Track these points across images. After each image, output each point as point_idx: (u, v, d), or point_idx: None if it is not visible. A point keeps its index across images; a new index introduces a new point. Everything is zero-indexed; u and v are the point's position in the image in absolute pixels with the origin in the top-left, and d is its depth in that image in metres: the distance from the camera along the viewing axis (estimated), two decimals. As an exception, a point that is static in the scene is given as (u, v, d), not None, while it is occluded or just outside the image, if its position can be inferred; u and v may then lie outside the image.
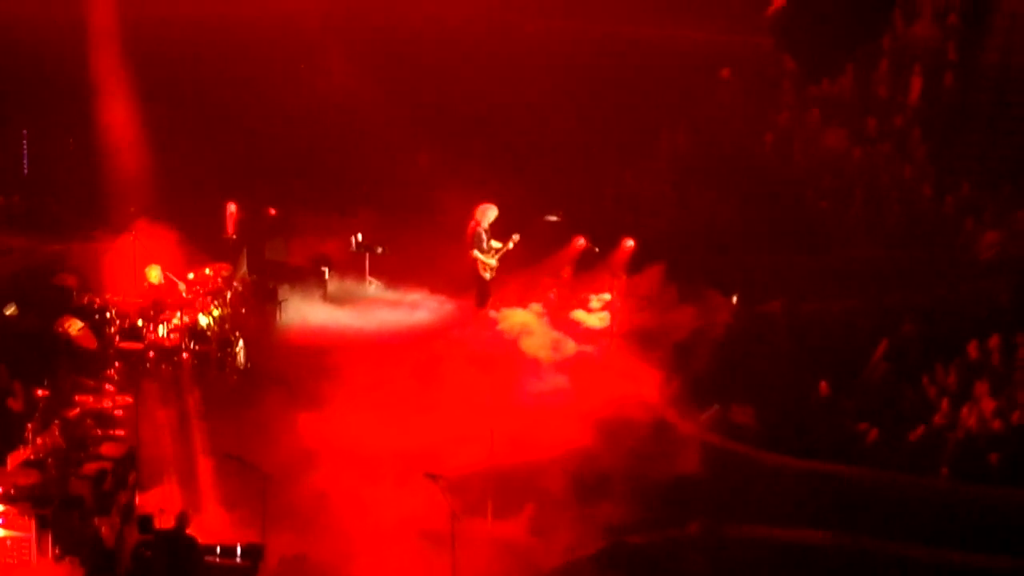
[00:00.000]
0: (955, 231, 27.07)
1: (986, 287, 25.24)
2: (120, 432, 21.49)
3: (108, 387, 23.11)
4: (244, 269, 27.89)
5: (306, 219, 30.42)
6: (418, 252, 28.72)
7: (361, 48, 31.87)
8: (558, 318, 26.78)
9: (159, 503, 19.60)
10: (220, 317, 25.23)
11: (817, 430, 21.90)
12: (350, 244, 28.64)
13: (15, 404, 21.41)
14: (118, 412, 22.10)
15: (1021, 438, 20.91)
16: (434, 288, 27.98)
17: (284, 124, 32.13)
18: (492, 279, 27.06)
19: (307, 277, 28.09)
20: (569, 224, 28.81)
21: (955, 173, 28.14)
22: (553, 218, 29.24)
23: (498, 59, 32.38)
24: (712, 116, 31.02)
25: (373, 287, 28.49)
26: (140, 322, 24.93)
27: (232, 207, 29.16)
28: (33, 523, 18.38)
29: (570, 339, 26.03)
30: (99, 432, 21.25)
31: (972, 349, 22.79)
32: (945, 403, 21.75)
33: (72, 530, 18.61)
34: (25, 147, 32.41)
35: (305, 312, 26.98)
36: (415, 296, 28.00)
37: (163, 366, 24.38)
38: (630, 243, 27.45)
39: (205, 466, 20.98)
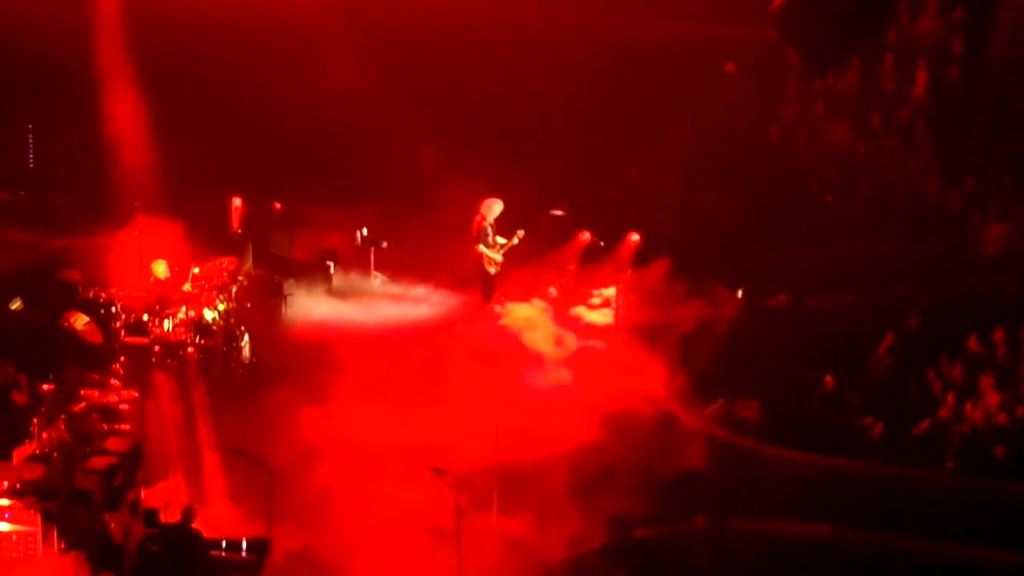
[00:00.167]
0: (960, 225, 27.03)
1: (991, 281, 25.23)
2: (126, 427, 21.54)
3: (113, 382, 23.15)
4: (249, 263, 27.92)
5: (311, 213, 30.44)
6: (423, 246, 28.74)
7: (366, 42, 31.82)
8: (563, 313, 26.78)
9: (165, 497, 19.64)
10: (225, 312, 25.25)
11: (822, 424, 21.90)
12: (355, 238, 28.65)
13: (20, 398, 21.42)
14: (124, 407, 22.14)
15: (1026, 432, 20.96)
16: (439, 283, 27.98)
17: (289, 118, 32.08)
18: (497, 274, 27.07)
19: (312, 271, 28.09)
20: (574, 218, 28.82)
21: (960, 167, 28.10)
22: (558, 212, 29.24)
23: (503, 53, 32.32)
24: (717, 110, 30.98)
25: (378, 281, 28.49)
26: (145, 316, 24.93)
27: (237, 201, 29.19)
28: (39, 517, 18.42)
29: (575, 334, 26.03)
30: (105, 427, 21.29)
31: (977, 343, 22.78)
32: (950, 397, 21.74)
33: (78, 524, 18.64)
34: (30, 142, 32.41)
35: (310, 306, 26.98)
36: (420, 290, 28.00)
37: (168, 361, 24.37)
38: (635, 237, 27.46)
39: (211, 460, 21.02)
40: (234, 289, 25.90)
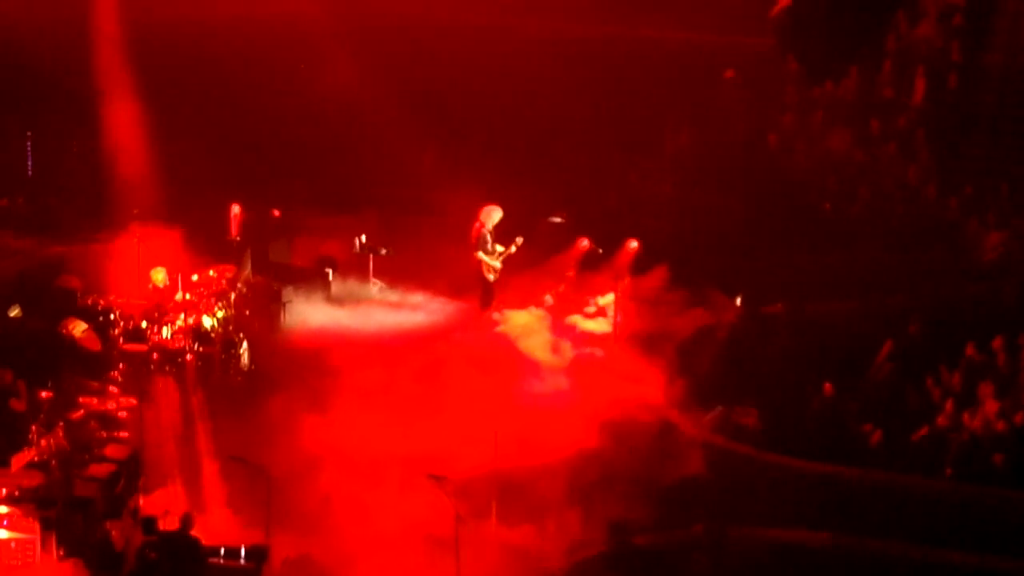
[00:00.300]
0: (959, 233, 27.03)
1: (990, 288, 25.23)
2: (124, 434, 21.53)
3: (112, 389, 23.14)
4: (248, 271, 27.90)
5: (310, 220, 30.43)
6: (422, 253, 28.73)
7: (365, 49, 31.85)
8: (561, 320, 26.77)
9: (163, 504, 19.64)
10: (224, 319, 25.25)
11: (821, 431, 21.89)
12: (354, 245, 28.63)
13: (19, 405, 21.41)
14: (122, 414, 22.13)
15: (1025, 439, 20.95)
16: (438, 290, 27.97)
17: (288, 125, 32.11)
18: (496, 281, 27.06)
19: (311, 278, 28.07)
20: (573, 225, 28.81)
21: (959, 174, 28.10)
22: (557, 219, 29.23)
23: (502, 60, 32.35)
24: (716, 117, 31.01)
25: (377, 288, 28.48)
26: (144, 324, 24.94)
27: (236, 208, 29.17)
28: (37, 525, 18.41)
29: (573, 341, 26.02)
30: (103, 434, 21.29)
31: (976, 351, 22.77)
32: (949, 404, 21.72)
33: (77, 532, 18.63)
34: (29, 149, 32.40)
35: (309, 314, 26.96)
36: (419, 297, 27.98)
37: (167, 368, 24.37)
38: (634, 244, 27.45)
39: (209, 468, 21.02)
40: (233, 296, 25.90)
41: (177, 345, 24.72)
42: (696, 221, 28.89)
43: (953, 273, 25.88)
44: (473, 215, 27.07)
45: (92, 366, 24.01)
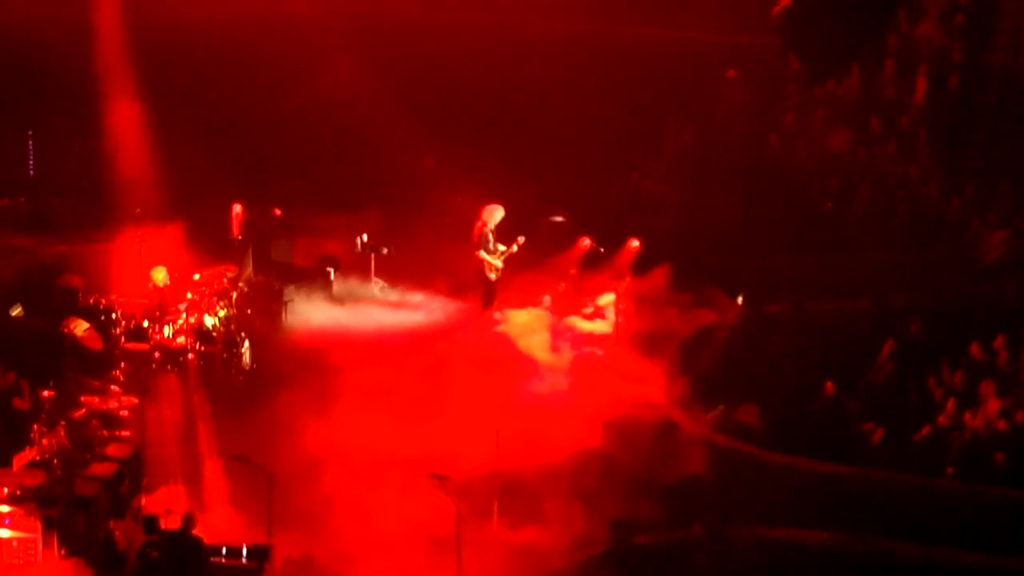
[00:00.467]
0: (961, 232, 27.05)
1: (992, 287, 25.25)
2: (126, 433, 21.52)
3: (114, 388, 23.13)
4: (250, 270, 27.91)
5: (312, 219, 30.43)
6: (424, 253, 28.73)
7: (366, 49, 31.85)
8: (563, 319, 26.78)
9: (165, 504, 19.62)
10: (226, 318, 25.24)
11: (823, 430, 21.88)
12: (356, 245, 28.62)
13: (21, 404, 21.44)
14: (124, 413, 22.12)
15: (1027, 438, 20.96)
16: (439, 289, 27.97)
17: (289, 124, 32.12)
18: (497, 280, 27.06)
19: (313, 278, 28.06)
20: (574, 225, 28.82)
21: (961, 173, 28.12)
22: (558, 219, 29.26)
23: (504, 59, 32.37)
24: (717, 116, 31.02)
25: (378, 288, 28.48)
26: (146, 323, 24.94)
27: (238, 208, 29.18)
28: (39, 524, 18.43)
29: (575, 340, 26.03)
30: (105, 433, 21.28)
31: (978, 350, 22.78)
32: (951, 404, 21.73)
33: (78, 531, 18.64)
34: (31, 148, 32.42)
35: (311, 313, 26.96)
36: (420, 297, 27.99)
37: (169, 367, 24.37)
38: (635, 244, 27.46)
39: (211, 467, 21.00)
40: (234, 295, 25.88)
41: (179, 344, 24.72)
42: (697, 220, 28.91)
43: (955, 272, 25.90)
44: (475, 214, 27.06)
45: (94, 365, 24.01)
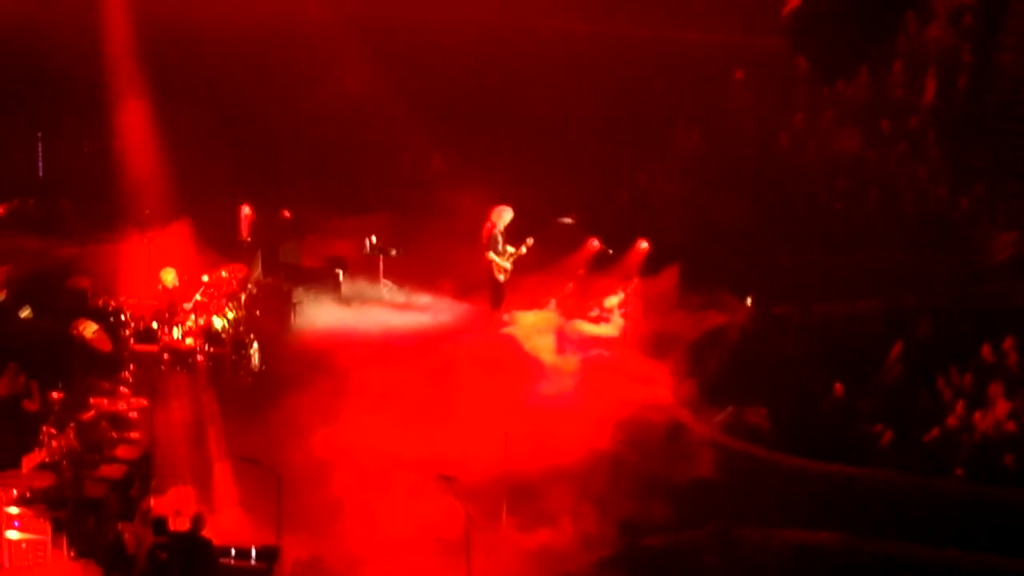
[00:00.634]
0: (970, 232, 27.01)
1: (1001, 288, 25.21)
2: (135, 434, 21.53)
3: (123, 389, 23.14)
4: (259, 271, 27.93)
5: (320, 221, 30.47)
6: (432, 254, 28.74)
7: (376, 50, 31.85)
8: (571, 321, 26.77)
9: (174, 505, 19.64)
10: (235, 319, 25.27)
11: (831, 432, 21.87)
12: (364, 246, 28.64)
13: (30, 406, 21.43)
14: (133, 414, 22.13)
15: (1035, 440, 20.93)
16: (447, 290, 27.98)
17: (298, 126, 32.14)
18: (506, 281, 27.06)
19: (322, 279, 28.08)
20: (583, 226, 28.82)
21: (970, 174, 28.08)
22: (567, 220, 29.25)
23: (512, 61, 32.37)
24: (726, 117, 31.01)
25: (387, 289, 28.49)
26: (155, 324, 24.96)
27: (247, 209, 29.22)
28: (48, 525, 18.45)
29: (583, 342, 26.02)
30: (114, 434, 21.29)
31: (987, 351, 22.76)
32: (960, 405, 21.71)
33: (88, 532, 18.66)
34: (40, 150, 32.47)
35: (319, 314, 26.97)
36: (429, 298, 27.99)
37: (178, 368, 24.40)
38: (644, 245, 27.46)
39: (220, 468, 21.00)
40: (243, 297, 25.92)
41: (188, 346, 24.74)
42: (707, 221, 28.89)
43: (963, 273, 25.86)
44: (484, 216, 27.07)
45: (103, 367, 24.03)
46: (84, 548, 18.56)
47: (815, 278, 26.22)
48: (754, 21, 31.74)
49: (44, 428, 20.27)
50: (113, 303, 25.46)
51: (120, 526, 18.73)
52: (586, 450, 21.43)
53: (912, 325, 23.99)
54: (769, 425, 22.28)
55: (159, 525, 18.47)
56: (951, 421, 21.55)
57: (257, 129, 31.81)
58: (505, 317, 26.82)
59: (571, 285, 27.45)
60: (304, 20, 32.34)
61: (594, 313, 26.85)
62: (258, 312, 26.09)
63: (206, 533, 17.97)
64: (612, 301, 26.97)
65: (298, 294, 27.09)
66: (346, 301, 27.87)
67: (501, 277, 26.95)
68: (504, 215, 26.97)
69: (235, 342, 24.88)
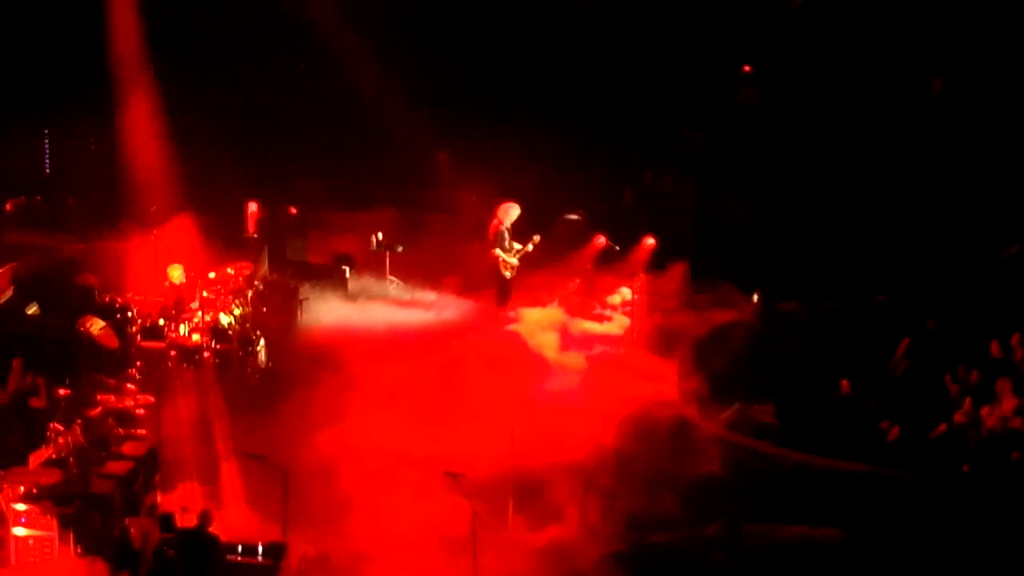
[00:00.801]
0: (977, 228, 26.97)
1: (1008, 284, 25.17)
2: (142, 431, 21.57)
3: (130, 386, 23.17)
4: (265, 268, 27.96)
5: (327, 217, 30.49)
6: (438, 251, 28.76)
7: (383, 46, 31.80)
8: (579, 317, 26.78)
9: (181, 502, 19.66)
10: (241, 316, 25.29)
11: (838, 428, 21.85)
12: (371, 243, 28.66)
13: (37, 403, 21.49)
14: (140, 411, 22.16)
15: (1043, 436, 20.90)
16: (454, 287, 27.98)
17: (305, 122, 32.12)
18: (512, 278, 27.06)
19: (328, 276, 28.12)
20: (590, 222, 28.81)
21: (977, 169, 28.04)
22: (573, 217, 29.25)
23: (517, 57, 32.32)
24: (732, 111, 30.99)
25: (393, 286, 28.50)
26: (161, 321, 24.99)
27: (253, 206, 29.25)
28: (55, 522, 18.47)
29: (590, 338, 26.03)
30: (121, 431, 21.33)
31: (994, 347, 22.73)
32: (967, 401, 21.69)
33: (94, 529, 18.68)
34: (47, 147, 32.49)
35: (326, 311, 26.99)
36: (435, 295, 28.00)
37: (184, 365, 24.42)
38: (651, 241, 27.46)
39: (227, 465, 21.02)
40: (250, 293, 25.93)
41: (194, 342, 24.77)
42: (713, 218, 28.88)
43: (971, 269, 25.82)
44: (490, 213, 27.08)
45: (110, 363, 24.08)
46: (91, 544, 18.59)
47: (821, 274, 26.20)
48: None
49: (51, 425, 20.33)
50: (120, 300, 25.51)
51: (126, 521, 18.75)
52: (592, 447, 21.43)
53: (919, 321, 23.97)
54: (776, 421, 22.26)
55: (166, 521, 18.49)
56: (958, 417, 21.52)
57: (264, 125, 31.79)
58: (511, 314, 26.83)
59: (577, 281, 27.47)
60: (310, 15, 32.25)
61: (600, 310, 26.84)
62: (265, 309, 26.11)
63: (213, 529, 17.99)
64: (618, 297, 26.99)
65: (304, 290, 27.10)
66: (352, 298, 27.89)
67: (508, 274, 26.97)
68: (511, 212, 26.99)
69: (242, 339, 24.90)
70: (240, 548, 18.24)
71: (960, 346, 23.06)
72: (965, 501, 19.84)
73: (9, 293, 26.17)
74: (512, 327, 26.33)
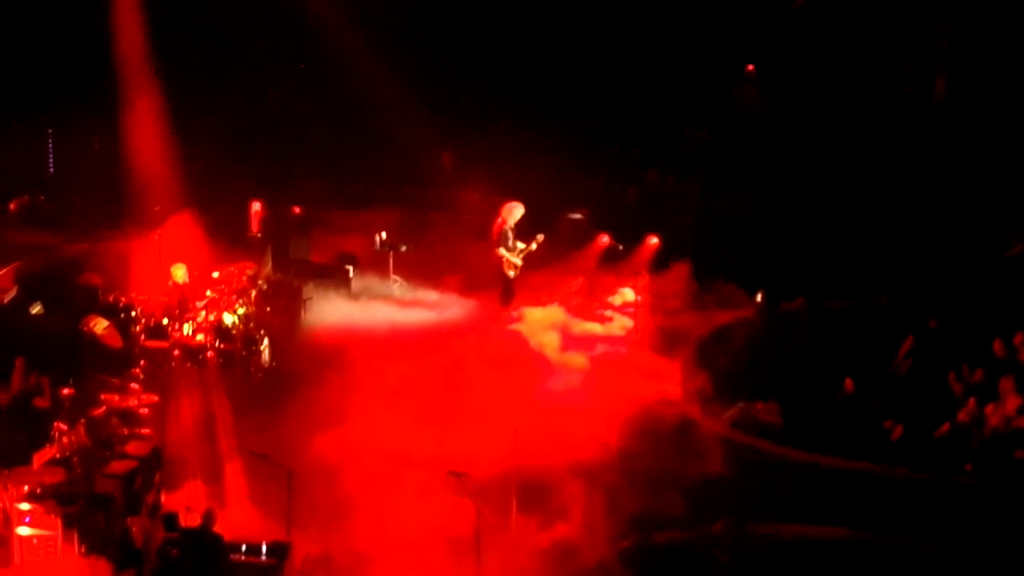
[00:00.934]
0: (981, 226, 26.99)
1: (1012, 283, 25.18)
2: (146, 431, 21.56)
3: (134, 386, 23.16)
4: (269, 267, 27.95)
5: (330, 217, 30.50)
6: (442, 250, 28.77)
7: (386, 45, 31.81)
8: (582, 316, 26.78)
9: (185, 501, 19.65)
10: (245, 315, 25.28)
11: (842, 427, 21.85)
12: (374, 242, 28.66)
13: (41, 403, 21.49)
14: (144, 411, 22.16)
15: (1046, 436, 20.92)
16: (457, 287, 27.99)
17: (308, 121, 32.15)
18: (516, 277, 27.06)
19: (332, 275, 28.11)
20: (593, 221, 28.82)
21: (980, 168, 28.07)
22: (577, 216, 29.26)
23: (522, 57, 32.34)
24: (736, 111, 31.02)
25: (397, 285, 28.50)
26: (165, 320, 24.99)
27: (256, 205, 29.26)
28: (59, 522, 18.48)
29: (593, 338, 26.02)
30: (125, 431, 21.32)
31: (998, 346, 22.73)
32: (971, 400, 21.69)
33: (98, 528, 18.68)
34: (50, 146, 32.51)
35: (330, 310, 26.98)
36: (439, 294, 28.00)
37: (188, 365, 24.43)
38: (654, 240, 27.46)
39: (230, 464, 21.02)
40: (253, 293, 25.93)
41: (198, 342, 24.77)
42: (716, 217, 28.89)
43: (975, 268, 25.82)
44: (494, 212, 27.09)
45: (114, 363, 24.08)
46: (95, 544, 18.58)
47: (825, 273, 26.20)
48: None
49: (55, 424, 20.30)
50: (124, 299, 25.49)
51: (128, 521, 18.76)
52: (596, 446, 21.41)
53: (923, 320, 23.97)
54: (780, 421, 22.27)
55: (170, 521, 18.48)
56: (962, 416, 21.54)
57: (268, 125, 31.81)
58: (515, 313, 26.83)
59: (581, 281, 27.47)
60: (314, 14, 32.27)
61: (603, 309, 26.85)
62: (268, 308, 26.10)
63: (217, 529, 17.99)
64: (621, 297, 26.99)
65: (308, 290, 27.08)
66: (356, 297, 27.88)
67: (512, 273, 26.97)
68: (515, 211, 26.99)
69: (245, 338, 24.90)
70: (244, 547, 18.23)
71: (963, 345, 23.08)
72: (969, 500, 19.84)
73: (13, 292, 26.18)
74: (515, 326, 26.33)
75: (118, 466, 19.72)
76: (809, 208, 28.30)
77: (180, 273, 25.52)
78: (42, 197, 31.23)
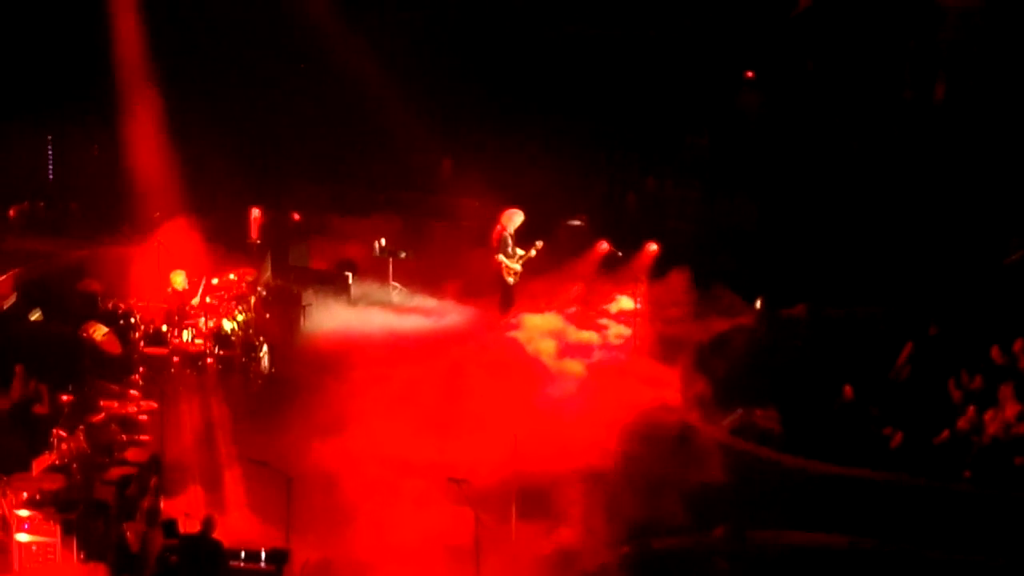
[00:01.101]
0: (981, 233, 26.98)
1: (1011, 290, 25.17)
2: (145, 437, 21.58)
3: (133, 392, 23.22)
4: (268, 274, 27.96)
5: (330, 223, 30.50)
6: (442, 257, 28.77)
7: (386, 51, 31.82)
8: (581, 323, 26.77)
9: (184, 507, 19.66)
10: (244, 322, 25.30)
11: (841, 434, 21.84)
12: (374, 249, 28.66)
13: (41, 409, 21.52)
14: (143, 417, 22.20)
15: (1046, 442, 20.90)
16: (457, 293, 27.98)
17: (308, 128, 32.14)
18: (515, 284, 27.06)
19: (331, 282, 28.10)
20: (592, 228, 28.81)
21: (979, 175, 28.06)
22: (576, 223, 29.26)
23: (521, 63, 32.34)
24: (735, 118, 31.01)
25: (396, 292, 28.50)
26: (164, 327, 25.01)
27: (256, 212, 29.26)
28: (58, 528, 18.47)
29: (593, 344, 26.02)
30: (124, 437, 21.34)
31: (996, 353, 22.73)
32: (970, 407, 21.68)
33: (97, 535, 18.68)
34: (50, 153, 32.51)
35: (329, 317, 26.97)
36: (438, 301, 27.99)
37: (187, 371, 24.44)
38: (653, 247, 27.46)
39: (230, 471, 21.02)
40: (253, 299, 25.94)
41: (197, 348, 24.78)
42: (716, 224, 28.88)
43: (974, 274, 25.82)
44: (494, 219, 27.09)
45: (113, 369, 24.10)
46: (93, 550, 18.59)
47: (824, 280, 26.19)
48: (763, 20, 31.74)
49: (54, 431, 20.31)
50: (123, 306, 25.52)
51: (123, 526, 18.76)
52: (596, 452, 21.41)
53: (922, 327, 23.97)
54: (779, 427, 22.26)
55: (169, 527, 18.50)
56: (961, 423, 21.52)
57: (267, 131, 31.81)
58: (514, 320, 26.82)
59: (580, 287, 27.46)
60: (314, 20, 32.27)
61: (603, 316, 26.84)
62: (268, 315, 26.11)
63: (216, 535, 17.99)
64: (620, 304, 26.97)
65: (307, 296, 27.08)
66: (355, 304, 27.88)
67: (511, 280, 26.97)
68: (514, 218, 27.00)
69: (245, 344, 24.91)
70: (243, 554, 18.25)
71: (963, 352, 23.06)
72: (968, 507, 19.84)
73: (12, 299, 26.22)
74: (514, 333, 26.31)
75: (117, 472, 19.73)
76: (809, 214, 28.27)
77: (179, 279, 25.56)
78: (41, 203, 31.24)
